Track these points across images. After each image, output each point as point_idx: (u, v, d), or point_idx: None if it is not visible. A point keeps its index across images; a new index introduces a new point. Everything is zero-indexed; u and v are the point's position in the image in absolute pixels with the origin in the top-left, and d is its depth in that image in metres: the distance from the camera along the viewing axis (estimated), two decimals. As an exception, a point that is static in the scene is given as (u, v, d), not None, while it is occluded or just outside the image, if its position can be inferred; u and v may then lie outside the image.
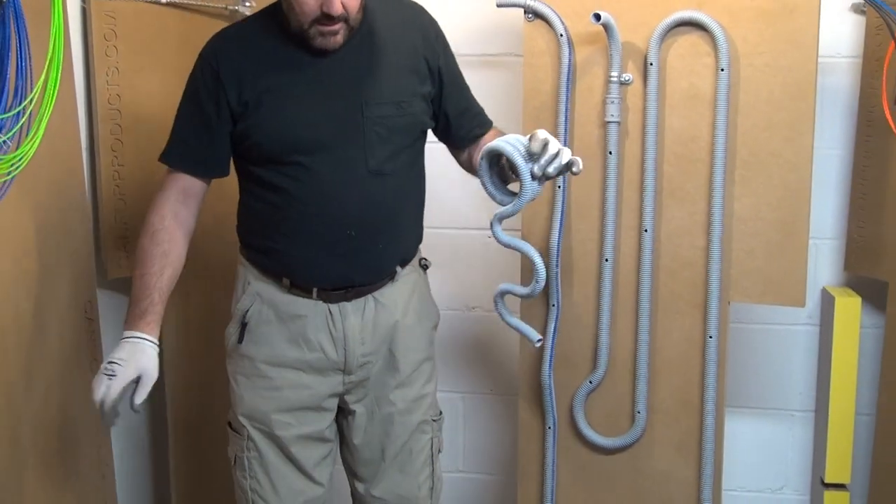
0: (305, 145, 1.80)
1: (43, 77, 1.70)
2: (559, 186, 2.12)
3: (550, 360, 2.18)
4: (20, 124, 1.66)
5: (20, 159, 1.66)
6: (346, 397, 1.93)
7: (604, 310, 2.15)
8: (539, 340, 1.85)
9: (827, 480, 2.28)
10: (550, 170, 1.63)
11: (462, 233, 2.56)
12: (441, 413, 2.06)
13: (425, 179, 1.99)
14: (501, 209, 1.71)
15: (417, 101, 1.90)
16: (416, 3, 1.98)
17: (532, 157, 1.63)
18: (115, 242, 2.17)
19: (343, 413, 1.96)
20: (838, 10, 2.26)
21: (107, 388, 1.65)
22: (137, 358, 1.70)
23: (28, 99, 1.67)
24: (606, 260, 2.14)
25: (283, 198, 1.81)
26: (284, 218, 1.83)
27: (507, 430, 2.51)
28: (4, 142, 1.63)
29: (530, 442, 2.25)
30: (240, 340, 1.87)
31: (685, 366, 2.16)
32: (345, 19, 1.73)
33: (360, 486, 2.01)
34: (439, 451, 2.05)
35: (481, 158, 1.71)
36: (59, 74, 1.71)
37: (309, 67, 1.81)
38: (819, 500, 2.33)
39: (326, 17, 1.70)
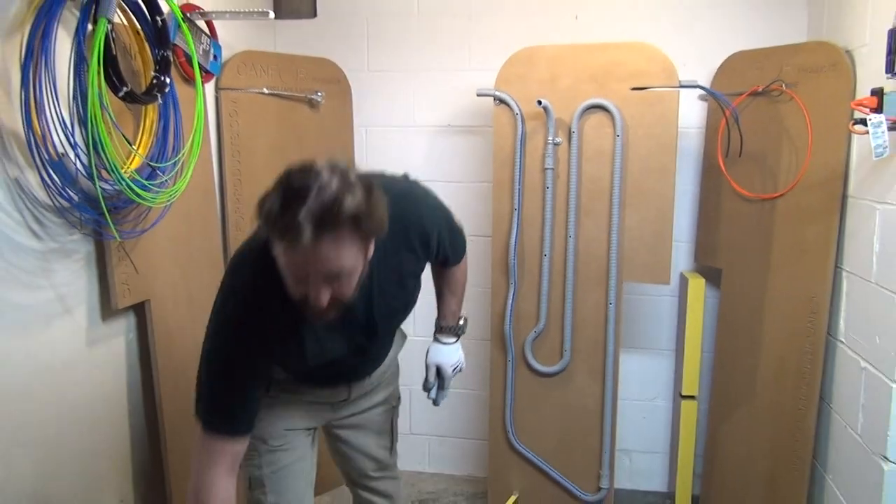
0: None
1: (190, 139, 1.70)
2: (515, 209, 2.13)
3: (510, 317, 2.19)
4: (176, 169, 1.67)
5: (175, 192, 1.67)
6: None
7: (544, 286, 2.16)
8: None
9: (683, 393, 2.28)
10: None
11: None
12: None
13: None
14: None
15: None
16: None
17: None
18: (236, 243, 2.14)
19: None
20: (690, 98, 2.26)
21: None
22: None
23: (181, 153, 1.68)
24: (545, 255, 2.15)
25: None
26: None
27: (483, 362, 2.51)
28: (166, 181, 1.63)
29: (497, 370, 2.25)
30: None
31: (595, 322, 2.16)
32: (338, 301, 1.11)
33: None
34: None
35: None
36: (201, 137, 1.72)
37: None
38: (678, 405, 2.33)
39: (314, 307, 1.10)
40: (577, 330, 2.17)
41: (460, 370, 1.70)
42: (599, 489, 2.21)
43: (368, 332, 1.32)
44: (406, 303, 1.39)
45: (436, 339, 1.67)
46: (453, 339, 1.66)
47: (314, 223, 0.99)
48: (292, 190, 1.00)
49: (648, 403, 2.52)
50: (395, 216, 1.14)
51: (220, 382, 1.19)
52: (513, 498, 2.26)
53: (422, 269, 1.38)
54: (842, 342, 1.88)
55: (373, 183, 1.07)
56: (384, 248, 1.19)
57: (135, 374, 1.76)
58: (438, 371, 1.66)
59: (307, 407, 1.47)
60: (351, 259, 1.07)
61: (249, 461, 1.43)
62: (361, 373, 1.50)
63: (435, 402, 1.68)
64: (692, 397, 2.28)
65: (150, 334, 1.73)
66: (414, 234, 1.30)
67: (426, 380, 1.66)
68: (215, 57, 1.97)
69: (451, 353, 1.66)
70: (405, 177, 1.37)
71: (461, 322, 1.68)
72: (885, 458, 1.60)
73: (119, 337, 1.70)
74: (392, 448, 1.66)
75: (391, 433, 1.64)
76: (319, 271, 1.05)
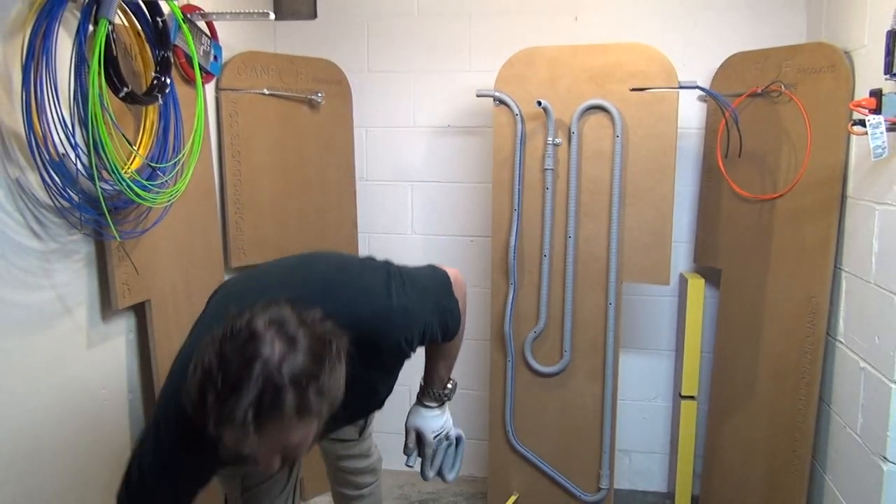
0: None
1: (191, 139, 1.70)
2: (515, 210, 2.13)
3: (510, 317, 2.19)
4: (176, 170, 1.66)
5: (176, 192, 1.67)
6: None
7: (543, 286, 2.16)
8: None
9: (683, 393, 2.28)
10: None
11: (458, 239, 2.56)
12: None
13: None
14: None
15: None
16: None
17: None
18: (236, 243, 2.16)
19: None
20: (690, 99, 2.26)
21: None
22: None
23: (181, 154, 1.68)
24: (545, 255, 2.15)
25: None
26: None
27: (483, 362, 2.51)
28: (166, 181, 1.63)
29: (497, 370, 2.25)
30: None
31: (595, 322, 2.16)
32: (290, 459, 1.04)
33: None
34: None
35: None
36: (201, 138, 1.72)
37: None
38: (678, 405, 2.33)
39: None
40: (577, 330, 2.17)
41: (449, 439, 1.52)
42: (599, 489, 2.20)
43: (337, 424, 1.23)
44: (381, 400, 1.33)
45: (418, 402, 1.53)
46: (436, 405, 1.51)
47: (256, 417, 0.89)
48: (229, 378, 0.89)
49: (648, 403, 2.52)
50: (366, 340, 1.09)
51: (157, 489, 1.09)
52: (513, 498, 2.26)
53: (398, 373, 1.30)
54: (841, 342, 1.88)
55: (326, 338, 0.96)
56: (353, 373, 1.03)
57: (135, 374, 1.75)
58: (419, 437, 1.50)
59: None
60: (300, 434, 0.95)
61: (222, 481, 1.47)
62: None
63: (423, 475, 1.50)
64: (692, 397, 2.28)
65: (150, 334, 1.73)
66: (388, 353, 1.21)
67: (405, 444, 1.51)
68: (216, 58, 1.97)
69: (433, 420, 1.50)
70: (386, 271, 1.23)
71: (448, 387, 1.51)
72: (885, 458, 1.60)
73: (119, 337, 1.70)
74: (364, 430, 1.66)
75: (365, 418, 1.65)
76: (266, 449, 0.96)
